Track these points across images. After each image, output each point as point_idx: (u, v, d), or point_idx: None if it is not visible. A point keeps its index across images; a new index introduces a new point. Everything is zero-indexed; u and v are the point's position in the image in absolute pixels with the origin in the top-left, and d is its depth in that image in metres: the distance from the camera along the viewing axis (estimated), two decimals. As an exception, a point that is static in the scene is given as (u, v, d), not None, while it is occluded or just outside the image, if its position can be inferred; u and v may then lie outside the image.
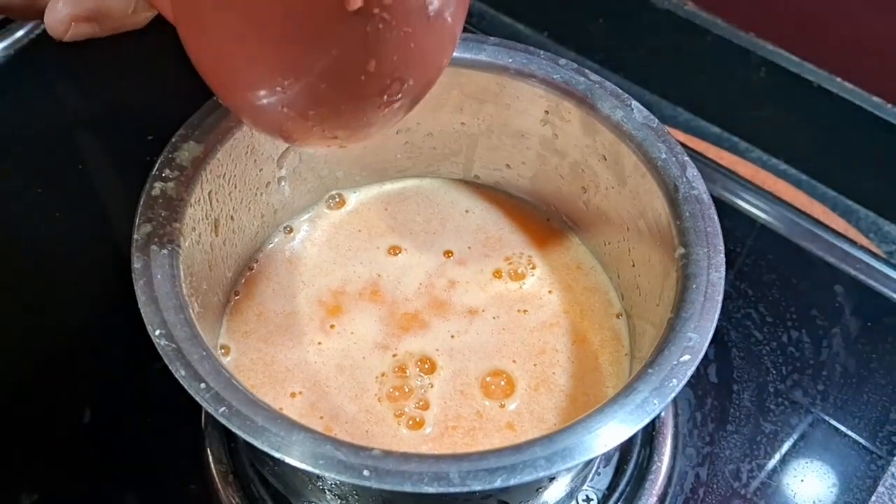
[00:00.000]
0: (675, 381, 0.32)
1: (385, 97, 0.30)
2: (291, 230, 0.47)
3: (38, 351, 0.50)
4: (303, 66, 0.28)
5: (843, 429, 0.50)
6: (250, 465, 0.45)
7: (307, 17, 0.26)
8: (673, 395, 0.32)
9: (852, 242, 0.57)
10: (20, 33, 0.64)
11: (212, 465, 0.45)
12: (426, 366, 0.42)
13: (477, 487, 0.29)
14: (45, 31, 0.32)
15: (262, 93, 0.29)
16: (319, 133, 0.31)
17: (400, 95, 0.30)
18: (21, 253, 0.54)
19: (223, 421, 0.30)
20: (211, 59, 0.30)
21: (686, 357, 0.33)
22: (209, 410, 0.30)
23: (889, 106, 0.64)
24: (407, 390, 0.41)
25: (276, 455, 0.30)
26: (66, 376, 0.49)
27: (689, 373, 0.32)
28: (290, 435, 0.30)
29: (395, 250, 0.47)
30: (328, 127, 0.31)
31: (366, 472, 0.29)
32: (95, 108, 0.62)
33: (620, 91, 0.41)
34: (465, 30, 0.32)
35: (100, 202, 0.57)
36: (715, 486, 0.47)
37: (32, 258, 0.54)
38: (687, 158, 0.39)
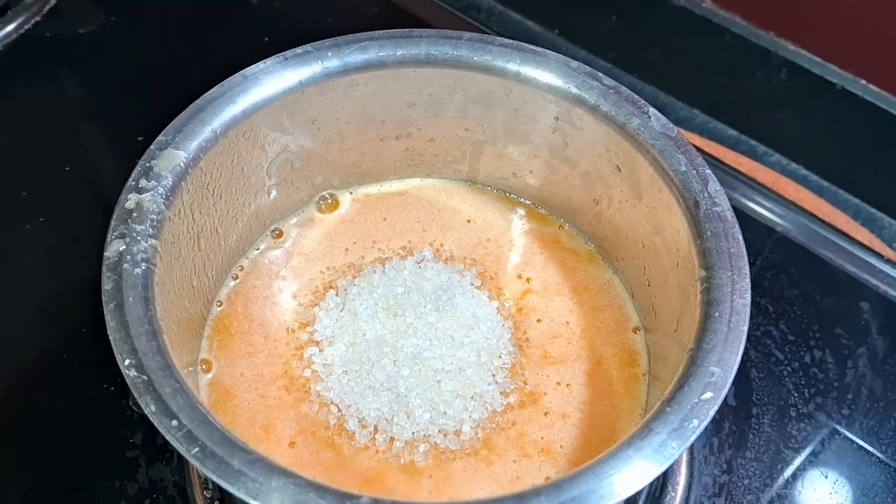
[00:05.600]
0: (695, 421, 0.29)
1: None
2: (281, 234, 0.44)
3: (22, 366, 0.47)
4: None
5: (871, 454, 0.47)
6: (237, 492, 0.42)
7: None
8: (694, 436, 0.29)
9: (879, 256, 0.54)
10: (9, 27, 0.61)
11: (196, 491, 0.42)
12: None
13: (476, 542, 0.26)
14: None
15: None
16: None
17: None
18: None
19: (195, 463, 0.27)
20: None
21: (708, 394, 0.30)
22: (180, 451, 0.28)
23: (915, 110, 0.61)
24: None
25: (254, 503, 0.27)
26: (45, 395, 0.46)
27: (712, 412, 0.30)
28: (269, 481, 0.27)
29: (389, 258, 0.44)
30: None
31: (352, 524, 0.27)
32: (81, 111, 0.59)
33: (637, 97, 0.38)
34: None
35: (85, 206, 0.54)
36: (733, 518, 0.44)
37: (14, 265, 0.51)
38: (709, 171, 0.36)
